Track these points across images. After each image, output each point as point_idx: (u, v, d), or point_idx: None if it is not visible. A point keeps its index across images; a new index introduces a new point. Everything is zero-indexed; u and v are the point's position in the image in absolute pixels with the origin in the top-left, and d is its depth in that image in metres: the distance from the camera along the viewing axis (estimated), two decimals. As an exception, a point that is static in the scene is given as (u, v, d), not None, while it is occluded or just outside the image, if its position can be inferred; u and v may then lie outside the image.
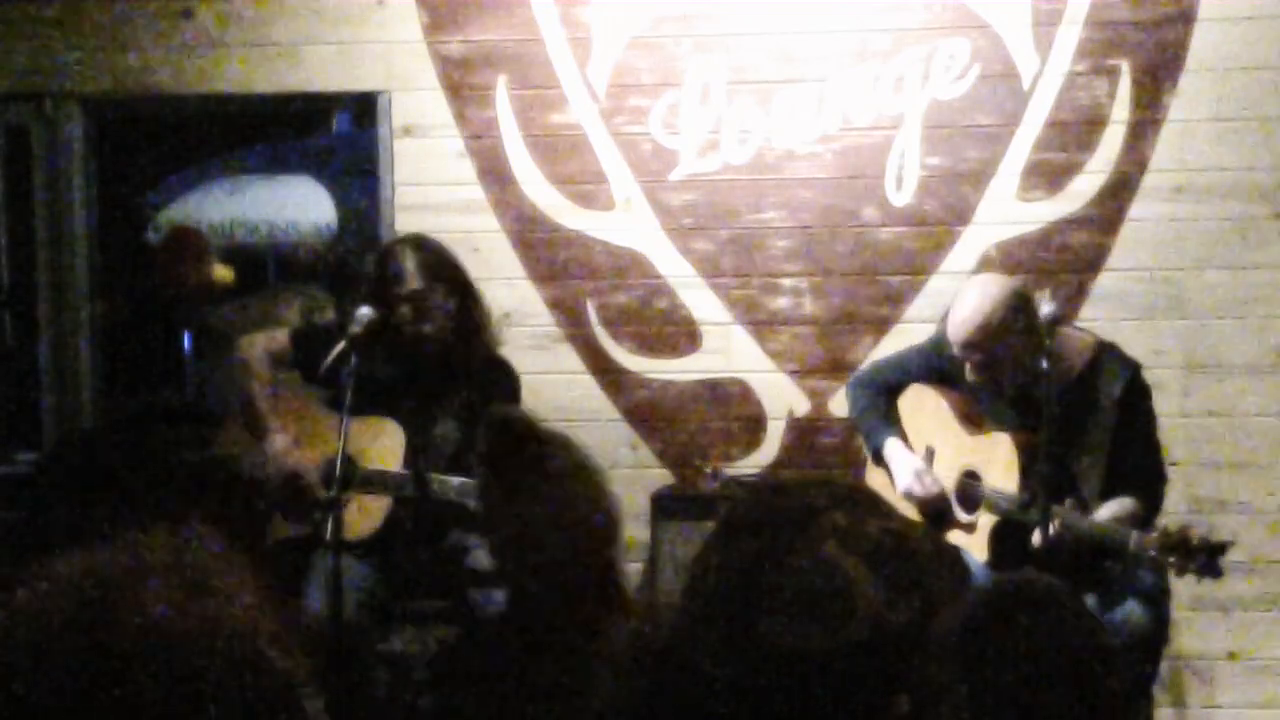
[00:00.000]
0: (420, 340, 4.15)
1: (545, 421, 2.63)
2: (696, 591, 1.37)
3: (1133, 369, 4.14)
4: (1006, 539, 4.07)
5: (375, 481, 4.10)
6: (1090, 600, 4.10)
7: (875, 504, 1.40)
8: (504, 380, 4.31)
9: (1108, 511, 3.95)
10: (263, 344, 4.35)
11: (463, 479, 4.00)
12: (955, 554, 4.12)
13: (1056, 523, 3.86)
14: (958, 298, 4.14)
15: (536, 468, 2.51)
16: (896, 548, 1.35)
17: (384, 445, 4.12)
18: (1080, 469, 4.06)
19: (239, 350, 4.37)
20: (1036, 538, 3.86)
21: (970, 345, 4.03)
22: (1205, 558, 3.70)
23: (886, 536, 1.36)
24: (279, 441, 4.20)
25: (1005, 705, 1.92)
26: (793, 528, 1.35)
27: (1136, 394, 4.12)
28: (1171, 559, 3.71)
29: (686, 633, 1.35)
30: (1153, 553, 3.72)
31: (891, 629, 1.31)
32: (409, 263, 4.15)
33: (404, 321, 4.12)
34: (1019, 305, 4.03)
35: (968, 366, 4.08)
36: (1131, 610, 3.96)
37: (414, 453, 4.13)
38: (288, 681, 1.29)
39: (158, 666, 1.23)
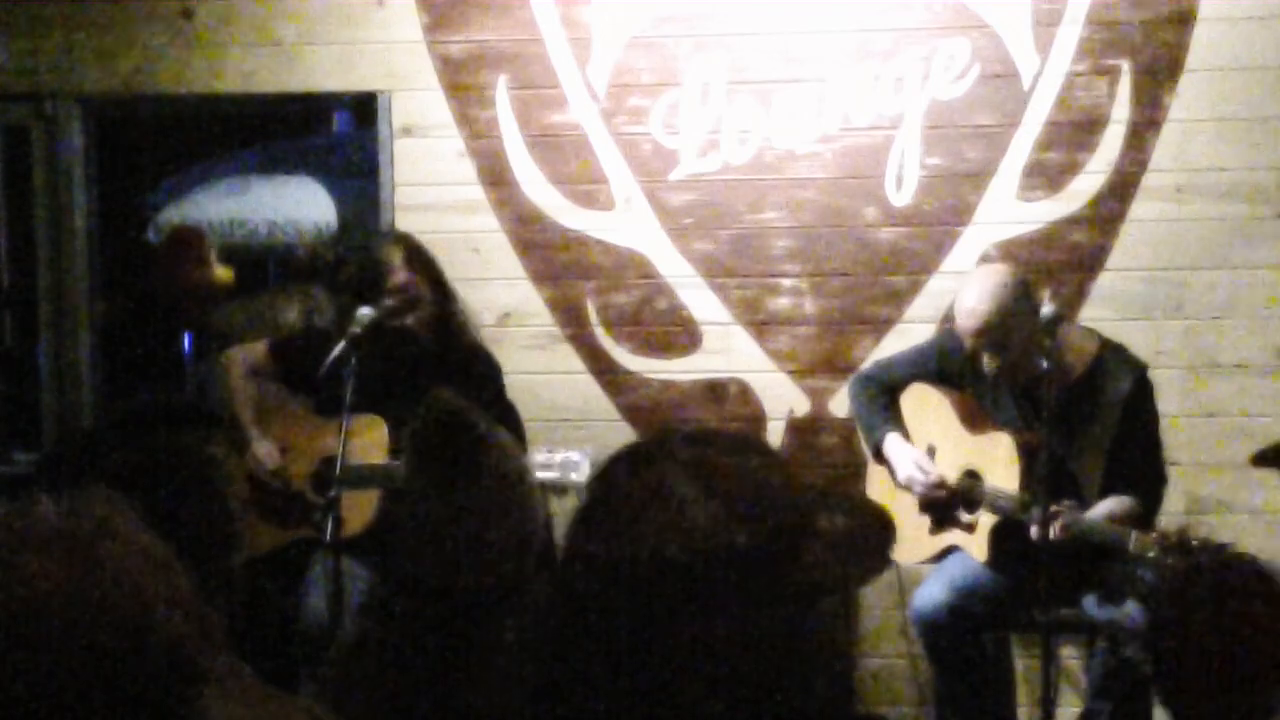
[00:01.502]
0: (406, 333, 4.17)
1: (483, 420, 2.58)
2: (568, 532, 1.47)
3: (1140, 370, 4.14)
4: (1006, 539, 4.08)
5: (366, 476, 4.11)
6: (1090, 600, 4.11)
7: (731, 442, 1.47)
8: (487, 371, 4.35)
9: (1105, 508, 3.96)
10: (242, 357, 4.40)
11: None
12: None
13: (1058, 525, 3.86)
14: (963, 289, 4.17)
15: (464, 460, 2.46)
16: (742, 479, 1.42)
17: (370, 440, 4.12)
18: (1081, 468, 4.06)
19: (219, 365, 4.43)
20: (1034, 533, 3.87)
21: (982, 332, 4.04)
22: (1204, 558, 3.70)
23: (733, 468, 1.43)
24: (262, 450, 4.23)
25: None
26: (643, 461, 1.46)
27: (1142, 396, 4.13)
28: (1170, 559, 3.72)
29: (562, 566, 1.44)
30: (1151, 553, 3.73)
31: (720, 550, 1.37)
32: (392, 257, 4.19)
33: (390, 314, 4.15)
34: (1024, 291, 4.07)
35: (985, 357, 4.08)
36: (1132, 611, 3.96)
37: (399, 445, 4.15)
38: (179, 643, 1.33)
39: (35, 634, 1.28)
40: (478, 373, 4.32)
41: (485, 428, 2.53)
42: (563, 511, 4.50)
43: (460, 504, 2.43)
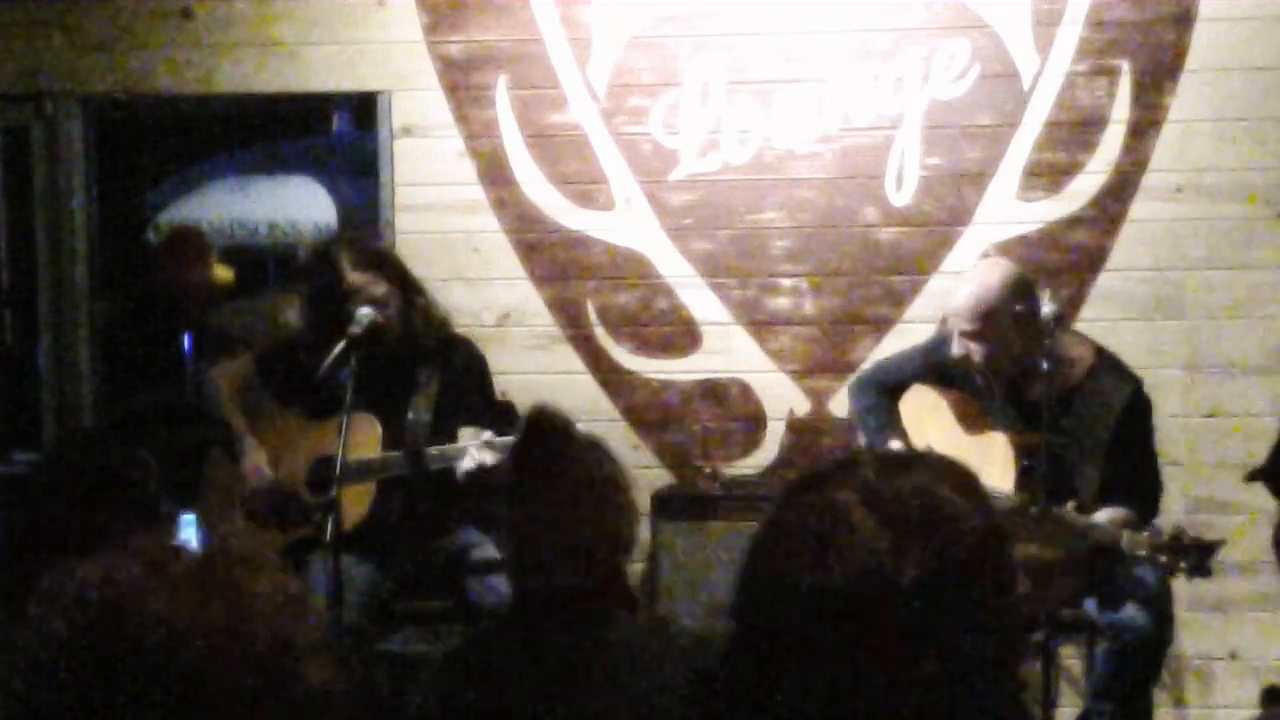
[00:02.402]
0: (374, 331, 4.15)
1: (578, 422, 2.65)
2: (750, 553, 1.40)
3: (1136, 384, 4.13)
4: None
5: (362, 470, 4.12)
6: (1091, 603, 4.11)
7: (918, 469, 1.39)
8: (468, 360, 4.37)
9: (1103, 517, 3.96)
10: (229, 372, 4.44)
11: (441, 446, 4.10)
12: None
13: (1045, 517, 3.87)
14: (961, 282, 4.18)
15: (565, 468, 2.52)
16: (924, 508, 1.34)
17: (362, 437, 4.13)
18: (1079, 475, 4.06)
19: (208, 384, 4.45)
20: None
21: (972, 325, 4.04)
22: (1195, 557, 3.71)
23: (914, 496, 1.35)
24: (258, 458, 4.26)
25: None
26: (826, 486, 1.37)
27: (1137, 412, 4.12)
28: (1162, 558, 3.72)
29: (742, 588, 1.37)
30: (1143, 552, 3.73)
31: (902, 581, 1.30)
32: (342, 260, 4.20)
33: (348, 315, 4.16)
34: (1021, 289, 4.07)
35: (963, 342, 4.08)
36: (1132, 613, 3.96)
37: (391, 441, 4.17)
38: (324, 693, 1.23)
39: (173, 675, 1.17)
40: (459, 363, 4.33)
41: (583, 435, 2.60)
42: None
43: (559, 507, 2.49)
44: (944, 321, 4.23)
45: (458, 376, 4.31)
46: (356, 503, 4.14)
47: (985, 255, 4.85)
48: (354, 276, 4.18)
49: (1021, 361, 4.03)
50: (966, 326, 4.05)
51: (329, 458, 3.93)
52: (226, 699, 1.17)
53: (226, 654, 1.18)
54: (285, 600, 1.26)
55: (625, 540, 2.54)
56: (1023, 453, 4.03)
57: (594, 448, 2.58)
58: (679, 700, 2.02)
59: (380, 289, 4.20)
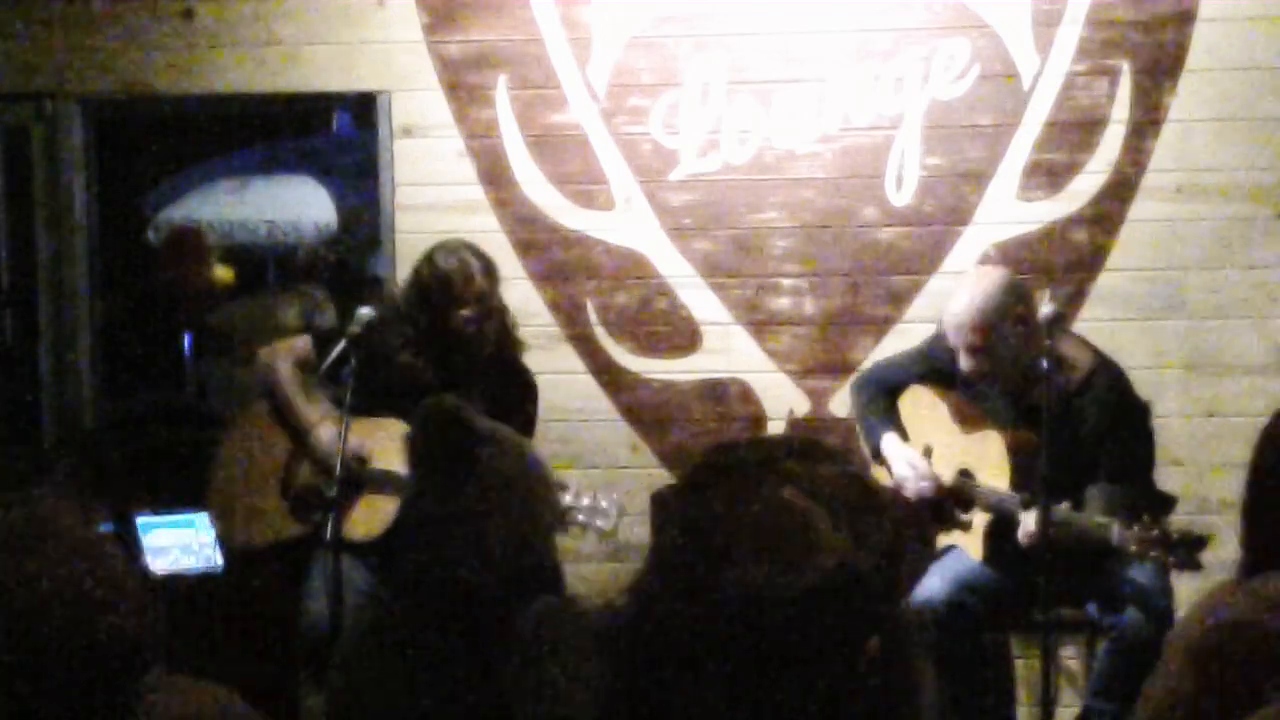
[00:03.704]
0: (480, 341, 4.16)
1: (481, 419, 2.62)
2: (660, 551, 1.35)
3: (1128, 396, 4.14)
4: (1001, 537, 4.08)
5: (382, 481, 4.10)
6: (1091, 606, 4.12)
7: (832, 453, 1.36)
8: (528, 388, 4.37)
9: (1093, 495, 3.96)
10: (285, 350, 4.35)
11: None
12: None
13: (1034, 520, 3.86)
14: (956, 288, 4.18)
15: (463, 459, 2.49)
16: (857, 492, 1.32)
17: (393, 445, 4.12)
18: (1077, 477, 4.06)
19: (260, 361, 4.37)
20: (1025, 529, 3.87)
21: (965, 334, 4.05)
22: (1184, 551, 3.71)
23: (846, 481, 1.32)
24: (325, 435, 4.15)
25: None
26: (750, 478, 1.32)
27: (1134, 422, 4.13)
28: (1152, 552, 3.72)
29: (652, 592, 1.32)
30: (1134, 547, 3.73)
31: (857, 571, 1.27)
32: (473, 265, 4.17)
33: (466, 321, 4.14)
34: (1015, 297, 4.07)
35: (962, 355, 4.08)
36: (1133, 613, 3.96)
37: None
38: (122, 639, 1.40)
39: None
40: (522, 385, 4.35)
41: (484, 427, 2.56)
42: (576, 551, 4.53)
43: (459, 501, 2.46)
44: (941, 334, 4.23)
45: (518, 400, 4.29)
46: (377, 515, 4.09)
47: (986, 256, 4.85)
48: (484, 282, 4.17)
49: (1022, 365, 4.03)
50: (966, 340, 4.05)
51: (355, 456, 3.92)
52: (23, 648, 1.36)
53: (19, 607, 1.36)
54: (81, 555, 1.41)
55: (530, 534, 2.50)
56: (1015, 450, 4.04)
57: (495, 440, 2.55)
58: (587, 686, 2.00)
59: (498, 301, 4.23)
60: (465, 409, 2.59)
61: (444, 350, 4.19)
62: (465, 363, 4.20)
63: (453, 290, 4.14)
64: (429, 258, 4.22)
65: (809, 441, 1.38)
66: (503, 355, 4.31)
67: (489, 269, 4.22)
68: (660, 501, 4.75)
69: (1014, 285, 4.12)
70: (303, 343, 4.38)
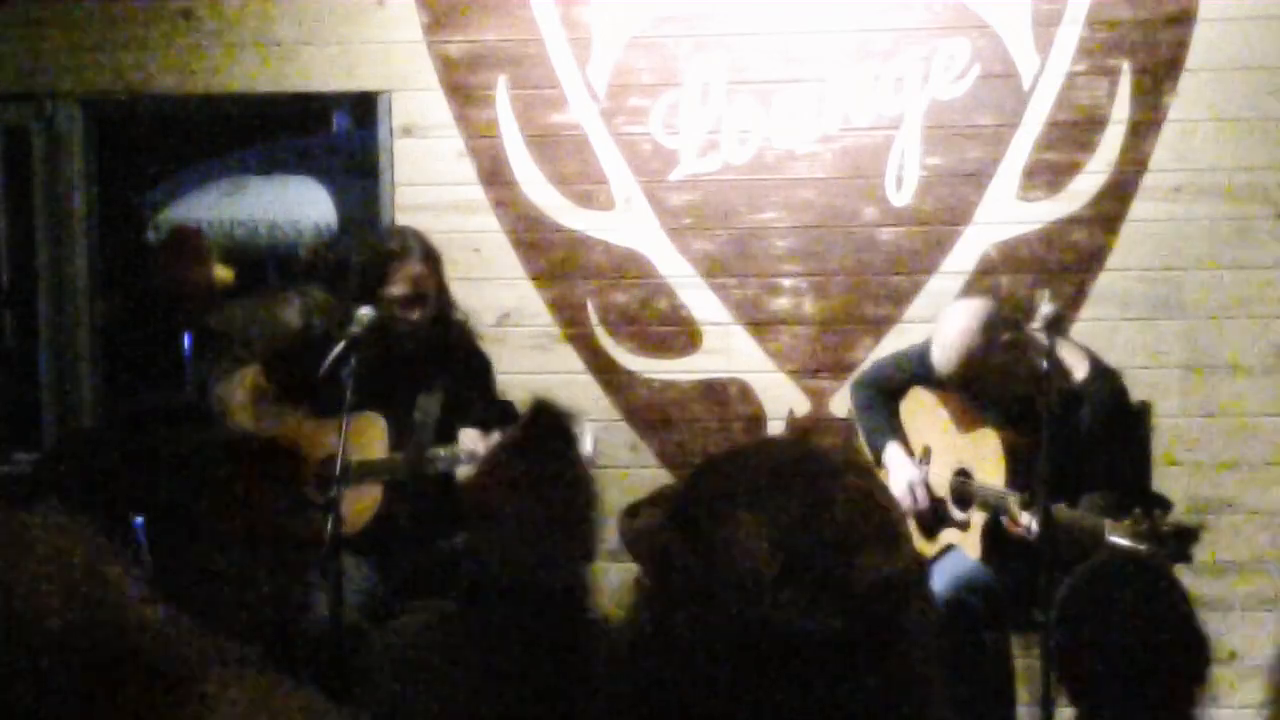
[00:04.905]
0: (409, 327, 4.18)
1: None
2: (663, 574, 1.33)
3: (1125, 401, 4.15)
4: (999, 536, 4.08)
5: (366, 472, 4.12)
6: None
7: (844, 466, 1.34)
8: (480, 368, 4.40)
9: (1085, 504, 3.97)
10: (236, 385, 4.41)
11: (448, 449, 4.10)
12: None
13: (1024, 515, 3.87)
14: (938, 325, 4.16)
15: (560, 466, 2.51)
16: (874, 506, 1.31)
17: (369, 438, 4.13)
18: (1072, 477, 4.06)
19: (217, 400, 4.43)
20: (1027, 529, 3.87)
21: (952, 375, 4.07)
22: (1175, 544, 3.71)
23: (861, 496, 1.31)
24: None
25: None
26: (825, 476, 1.31)
27: (1130, 427, 4.14)
28: (1143, 545, 3.72)
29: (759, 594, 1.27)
30: (1126, 540, 3.73)
31: (877, 586, 1.26)
32: (406, 248, 4.22)
33: (398, 306, 4.16)
34: (999, 327, 4.05)
35: (954, 387, 4.13)
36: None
37: (397, 440, 4.17)
38: (58, 630, 1.30)
39: None
40: (474, 369, 4.36)
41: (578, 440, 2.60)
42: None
43: (548, 504, 2.48)
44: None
45: (465, 376, 4.32)
46: (362, 505, 4.13)
47: (985, 257, 4.85)
48: (416, 266, 4.20)
49: (1019, 378, 4.04)
50: (956, 379, 4.07)
51: (334, 457, 3.93)
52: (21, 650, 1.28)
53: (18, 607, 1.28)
54: (61, 570, 1.33)
55: (593, 546, 2.52)
56: (1010, 449, 4.04)
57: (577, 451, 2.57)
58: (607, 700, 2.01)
59: (431, 285, 4.24)
60: (572, 418, 2.61)
61: (379, 332, 4.15)
62: (401, 350, 4.21)
63: (385, 267, 4.18)
64: (373, 237, 4.34)
65: (811, 452, 1.37)
66: (447, 342, 4.31)
67: (429, 255, 4.25)
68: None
69: (995, 317, 4.08)
70: (252, 373, 4.44)
